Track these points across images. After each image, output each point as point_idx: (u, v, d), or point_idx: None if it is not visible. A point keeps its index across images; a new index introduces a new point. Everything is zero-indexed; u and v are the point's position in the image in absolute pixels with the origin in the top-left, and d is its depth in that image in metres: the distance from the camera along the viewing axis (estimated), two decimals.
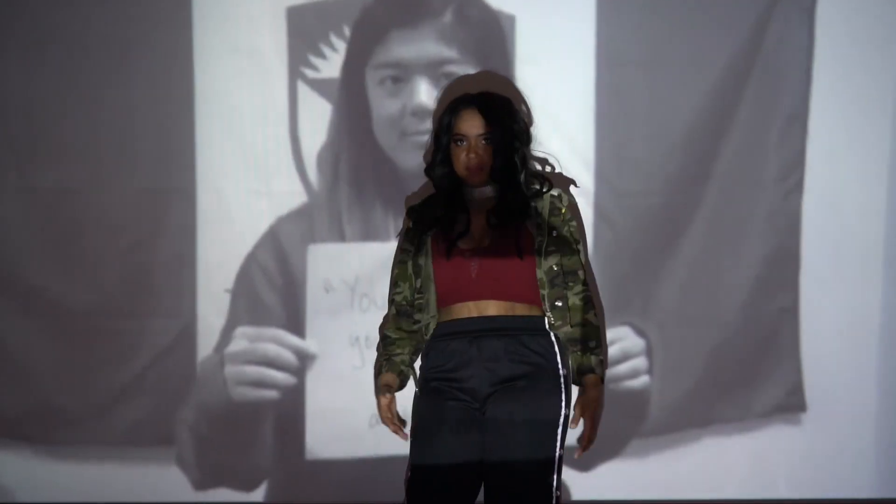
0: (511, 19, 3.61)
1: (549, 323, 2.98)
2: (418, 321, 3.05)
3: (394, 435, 2.99)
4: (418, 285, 3.04)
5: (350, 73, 3.61)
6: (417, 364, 3.02)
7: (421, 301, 3.03)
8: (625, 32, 3.63)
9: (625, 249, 3.66)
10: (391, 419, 3.00)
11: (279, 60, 3.58)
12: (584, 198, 3.61)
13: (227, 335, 3.63)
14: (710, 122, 3.64)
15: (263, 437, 3.65)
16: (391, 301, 3.12)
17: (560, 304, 3.00)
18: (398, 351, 3.07)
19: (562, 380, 2.95)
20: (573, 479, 3.66)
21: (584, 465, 3.65)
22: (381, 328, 3.13)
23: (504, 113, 3.10)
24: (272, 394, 3.63)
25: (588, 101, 3.63)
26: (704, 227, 3.66)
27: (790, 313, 3.68)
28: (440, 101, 3.49)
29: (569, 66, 3.62)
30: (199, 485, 3.66)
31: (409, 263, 3.08)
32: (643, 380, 3.67)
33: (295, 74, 3.60)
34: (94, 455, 3.64)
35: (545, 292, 2.99)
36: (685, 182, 3.65)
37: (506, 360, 2.92)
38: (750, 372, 3.68)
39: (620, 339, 3.67)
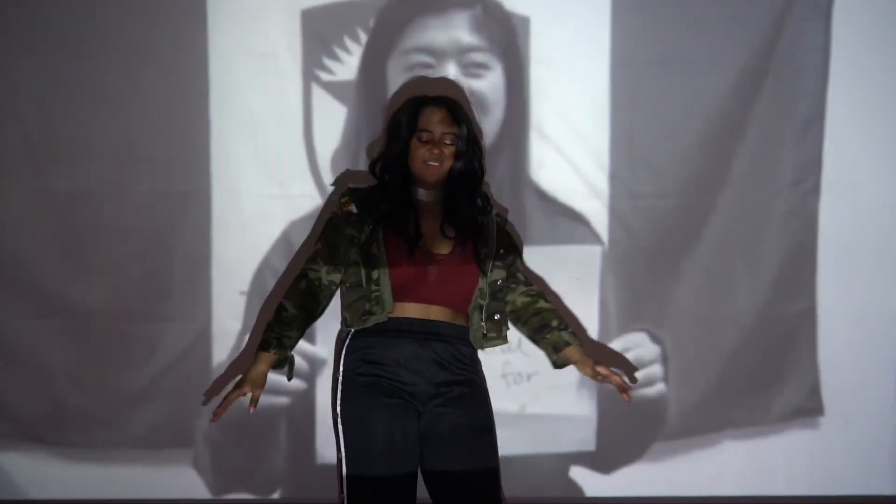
0: (526, 20, 3.61)
1: (482, 334, 3.06)
2: (367, 312, 2.98)
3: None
4: (375, 276, 2.98)
5: (367, 75, 3.61)
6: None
7: (377, 293, 2.98)
8: (640, 33, 3.62)
9: (640, 251, 3.66)
10: (230, 400, 2.92)
11: (293, 63, 3.58)
12: (599, 200, 3.63)
13: (242, 339, 3.63)
14: (726, 123, 3.64)
15: (275, 442, 3.65)
16: (303, 275, 3.08)
17: (497, 317, 3.08)
18: (290, 333, 3.00)
19: (487, 391, 3.06)
20: (594, 482, 3.67)
21: (605, 468, 3.66)
22: (282, 297, 3.07)
23: (469, 119, 3.17)
24: (283, 399, 3.63)
25: (603, 101, 3.63)
26: (721, 229, 3.66)
27: (807, 316, 3.68)
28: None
29: (584, 66, 3.62)
30: (215, 488, 3.65)
31: (353, 251, 3.03)
32: (659, 387, 3.66)
33: (309, 77, 3.59)
34: (109, 457, 3.63)
35: (484, 303, 3.05)
36: (701, 183, 3.66)
37: (449, 366, 2.97)
38: (768, 375, 3.68)
39: (636, 345, 3.67)
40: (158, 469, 3.63)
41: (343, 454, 2.92)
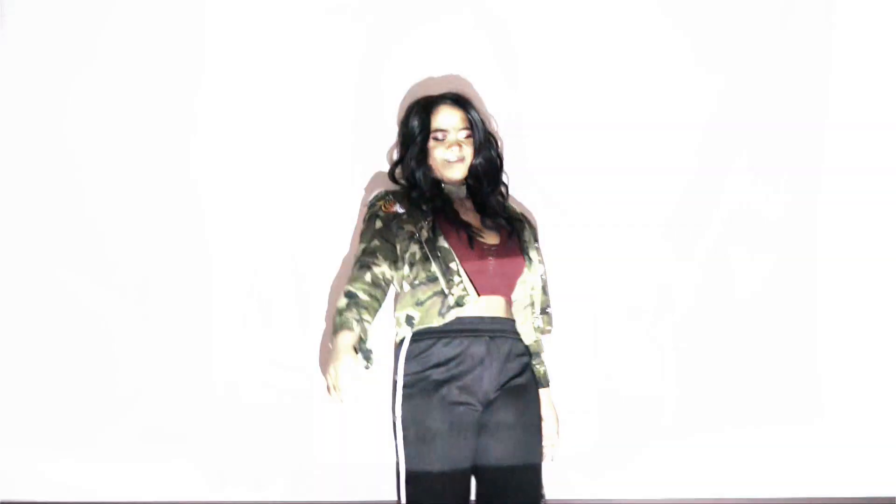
0: None
1: (534, 326, 3.08)
2: (456, 304, 2.91)
3: (332, 395, 2.78)
4: (455, 268, 2.91)
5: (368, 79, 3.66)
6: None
7: (461, 283, 2.91)
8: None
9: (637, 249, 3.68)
10: (345, 386, 2.77)
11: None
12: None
13: (241, 336, 3.65)
14: (726, 121, 3.67)
15: (274, 438, 3.65)
16: (366, 266, 2.96)
17: (549, 309, 3.14)
18: (367, 317, 2.89)
19: (536, 385, 3.07)
20: (589, 483, 3.67)
21: (599, 470, 3.65)
22: (349, 285, 2.93)
23: (478, 110, 3.17)
24: (282, 396, 3.63)
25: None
26: (720, 228, 3.68)
27: (806, 314, 3.68)
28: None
29: None
30: (213, 485, 3.65)
31: (414, 248, 2.97)
32: (656, 386, 3.67)
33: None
34: (108, 454, 3.64)
35: (536, 296, 3.09)
36: (701, 181, 3.68)
37: (511, 363, 2.97)
38: (766, 374, 3.67)
39: (632, 345, 3.68)
40: (158, 465, 3.64)
41: (402, 458, 2.90)
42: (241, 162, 3.66)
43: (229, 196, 3.65)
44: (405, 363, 2.94)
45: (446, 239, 2.97)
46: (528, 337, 3.08)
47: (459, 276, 2.93)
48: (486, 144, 3.13)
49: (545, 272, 3.16)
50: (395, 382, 2.97)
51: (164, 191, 3.65)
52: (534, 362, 3.12)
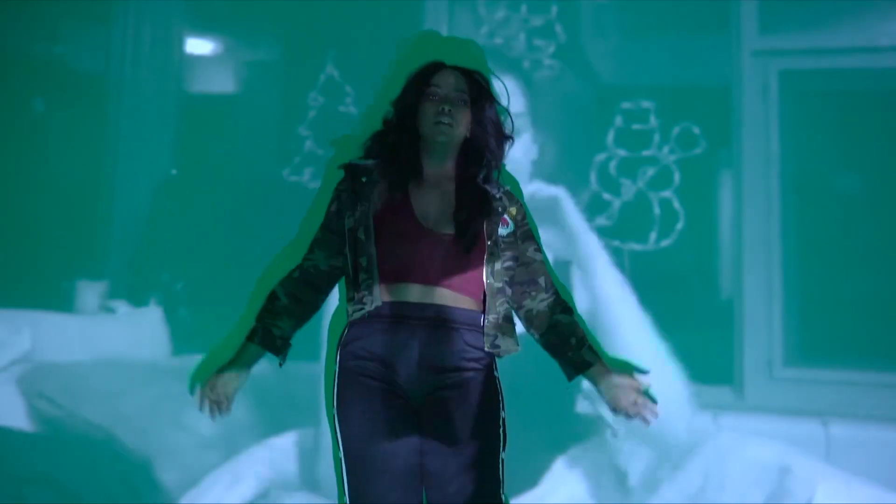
0: None
1: (490, 341, 2.74)
2: (357, 301, 2.71)
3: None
4: (364, 263, 2.70)
5: None
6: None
7: (368, 281, 2.69)
8: None
9: None
10: (223, 402, 2.76)
11: None
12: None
13: None
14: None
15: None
16: (298, 265, 2.84)
17: (505, 321, 2.78)
18: (281, 323, 2.78)
19: (497, 382, 2.75)
20: None
21: None
22: (276, 285, 2.82)
23: (489, 87, 2.85)
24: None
25: None
26: (786, 158, 3.36)
27: (887, 259, 3.34)
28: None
29: None
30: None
31: (343, 234, 2.76)
32: None
33: None
34: None
35: (490, 305, 2.76)
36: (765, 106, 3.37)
37: (449, 355, 2.68)
38: (834, 325, 3.34)
39: None
40: None
41: (342, 454, 2.69)
42: None
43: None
44: (339, 352, 2.77)
45: (382, 221, 2.72)
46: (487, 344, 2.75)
47: (366, 272, 2.71)
48: (485, 126, 2.80)
49: (520, 277, 2.82)
50: (330, 372, 2.81)
51: None
52: (558, 358, 2.79)
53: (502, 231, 2.79)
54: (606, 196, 3.37)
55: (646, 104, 3.38)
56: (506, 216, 2.80)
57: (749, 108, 3.35)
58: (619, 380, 2.73)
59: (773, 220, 3.35)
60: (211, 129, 3.47)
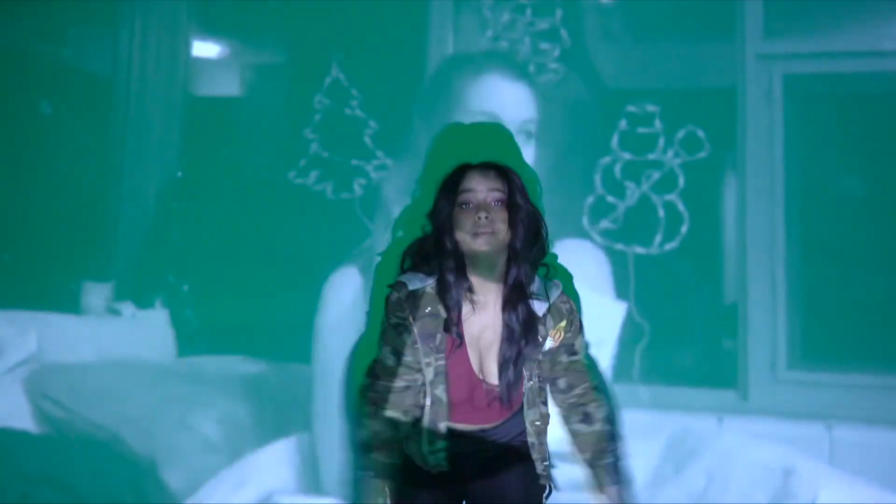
0: None
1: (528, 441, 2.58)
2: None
3: None
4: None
5: None
6: None
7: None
8: None
9: None
10: None
11: None
12: None
13: None
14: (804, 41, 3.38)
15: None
16: (390, 371, 2.60)
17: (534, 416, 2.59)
18: (391, 456, 2.57)
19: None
20: None
21: None
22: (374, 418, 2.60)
23: (520, 181, 2.64)
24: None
25: None
26: (790, 161, 3.37)
27: (889, 260, 3.36)
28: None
29: None
30: None
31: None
32: None
33: None
34: None
35: (529, 413, 2.57)
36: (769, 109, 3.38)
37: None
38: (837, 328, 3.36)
39: None
40: None
41: None
42: None
43: None
44: None
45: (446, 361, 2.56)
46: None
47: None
48: (518, 221, 2.54)
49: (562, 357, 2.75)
50: None
51: None
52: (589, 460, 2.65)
53: (544, 347, 2.61)
54: (611, 199, 3.38)
55: (650, 108, 3.39)
56: (549, 339, 2.62)
57: (753, 111, 3.36)
58: None
59: (776, 223, 3.36)
60: (217, 132, 3.50)
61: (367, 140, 3.42)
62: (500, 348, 2.57)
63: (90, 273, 3.54)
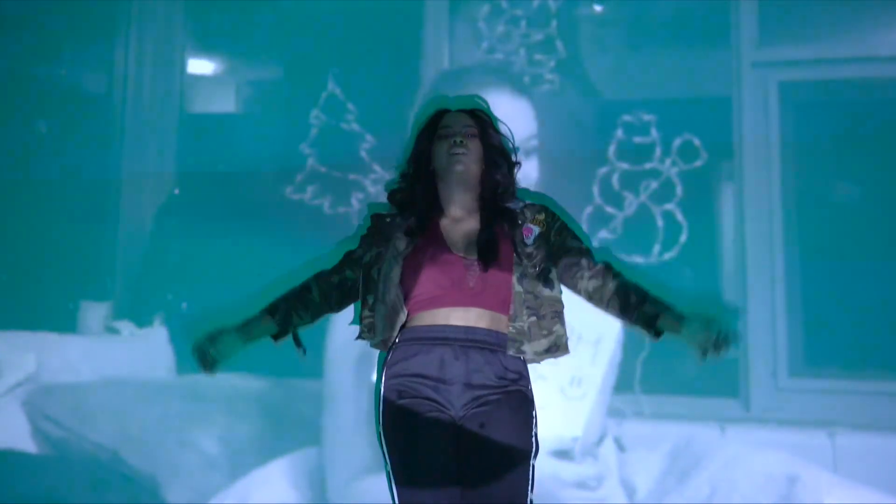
0: None
1: (509, 339, 2.81)
2: (367, 331, 2.85)
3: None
4: (370, 302, 2.83)
5: None
6: None
7: (369, 320, 2.83)
8: None
9: None
10: (214, 361, 2.82)
11: None
12: None
13: None
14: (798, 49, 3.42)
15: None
16: (338, 271, 2.89)
17: (521, 325, 2.83)
18: (303, 314, 2.86)
19: (530, 396, 2.82)
20: None
21: None
22: (311, 279, 2.88)
23: (493, 123, 2.95)
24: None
25: None
26: (786, 168, 3.41)
27: (889, 267, 3.37)
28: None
29: None
30: None
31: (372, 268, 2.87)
32: None
33: None
34: None
35: (515, 314, 2.82)
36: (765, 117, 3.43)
37: (483, 380, 2.76)
38: (837, 334, 3.39)
39: None
40: None
41: (391, 472, 2.77)
42: None
43: None
44: (383, 375, 2.83)
45: (424, 255, 2.81)
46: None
47: (371, 310, 2.84)
48: (492, 151, 2.91)
49: (570, 243, 2.88)
50: (376, 393, 2.86)
51: None
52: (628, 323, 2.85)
53: (528, 239, 2.89)
54: (609, 209, 3.42)
55: (647, 117, 3.44)
56: (529, 225, 2.90)
57: (749, 119, 3.41)
58: (692, 323, 2.76)
59: (775, 230, 3.40)
60: (213, 149, 3.53)
61: (363, 154, 3.45)
62: (479, 233, 2.82)
63: (88, 292, 3.57)
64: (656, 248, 3.41)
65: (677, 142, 3.42)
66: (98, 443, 3.57)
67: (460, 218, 2.92)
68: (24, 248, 3.59)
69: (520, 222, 2.91)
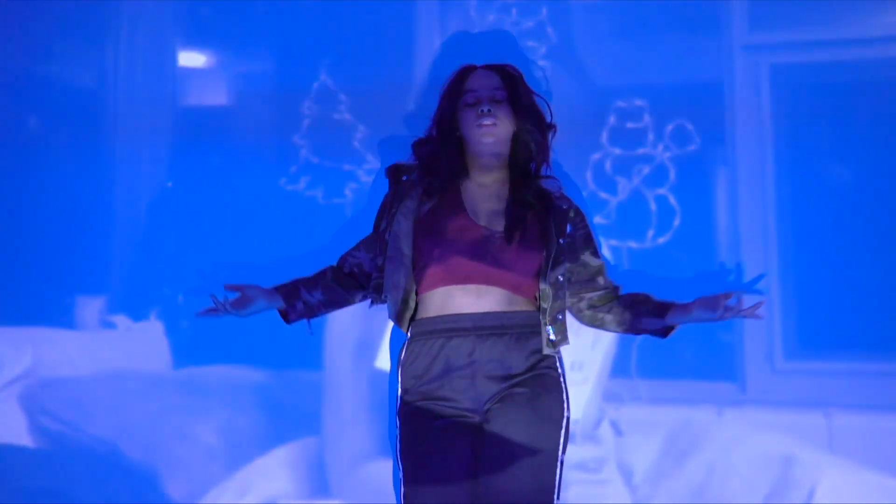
0: None
1: (547, 339, 2.74)
2: (381, 299, 2.86)
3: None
4: (380, 264, 2.85)
5: None
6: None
7: (379, 282, 2.82)
8: None
9: None
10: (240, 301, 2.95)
11: None
12: None
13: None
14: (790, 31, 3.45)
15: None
16: (343, 260, 2.98)
17: (561, 316, 2.79)
18: (315, 294, 2.93)
19: (561, 382, 2.77)
20: None
21: None
22: (334, 266, 3.00)
23: (523, 81, 2.90)
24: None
25: None
26: (780, 153, 3.45)
27: (882, 250, 3.43)
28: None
29: None
30: None
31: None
32: None
33: None
34: None
35: (547, 305, 2.74)
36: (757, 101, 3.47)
37: (505, 369, 2.69)
38: (832, 317, 3.43)
39: None
40: None
41: (402, 474, 2.77)
42: None
43: None
44: (399, 373, 2.83)
45: (440, 221, 2.75)
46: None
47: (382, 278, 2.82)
48: (529, 122, 2.82)
49: (589, 258, 2.95)
50: (393, 392, 2.91)
51: None
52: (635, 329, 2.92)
53: (567, 229, 2.86)
54: (603, 195, 3.46)
55: (639, 102, 3.47)
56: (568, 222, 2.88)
57: (742, 103, 3.44)
58: (704, 299, 2.88)
59: (769, 213, 3.43)
60: (206, 141, 3.55)
61: (356, 144, 3.48)
62: (508, 204, 2.76)
63: (83, 287, 3.60)
64: (650, 232, 3.44)
65: (670, 127, 3.45)
66: (96, 436, 3.60)
67: (486, 184, 2.82)
68: (18, 244, 3.62)
69: (564, 206, 2.85)
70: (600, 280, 2.92)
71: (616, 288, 2.97)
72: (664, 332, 2.92)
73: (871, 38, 3.42)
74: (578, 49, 3.49)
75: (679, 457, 3.43)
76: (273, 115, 3.51)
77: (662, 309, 2.87)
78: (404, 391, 2.75)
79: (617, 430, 3.44)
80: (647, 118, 3.46)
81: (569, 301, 2.87)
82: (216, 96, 3.55)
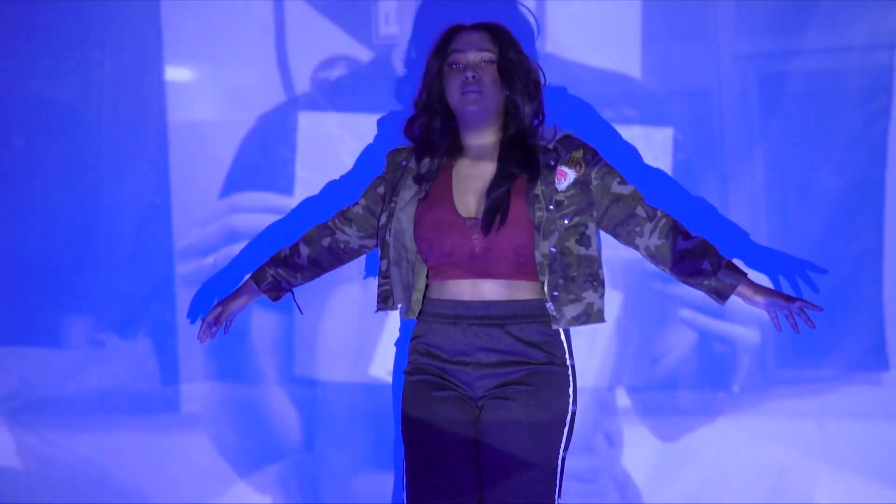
0: None
1: (551, 316, 2.62)
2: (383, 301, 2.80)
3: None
4: (384, 268, 2.74)
5: None
6: None
7: (385, 287, 2.74)
8: None
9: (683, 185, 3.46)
10: (223, 318, 2.93)
11: None
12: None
13: None
14: (776, 40, 3.44)
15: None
16: (330, 232, 2.91)
17: (556, 293, 2.61)
18: (292, 280, 2.89)
19: (570, 372, 2.68)
20: None
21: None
22: (301, 240, 2.95)
23: (513, 39, 2.73)
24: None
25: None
26: (769, 161, 3.45)
27: (871, 257, 3.44)
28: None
29: None
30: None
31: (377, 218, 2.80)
32: None
33: None
34: None
35: (545, 279, 2.60)
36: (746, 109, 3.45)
37: (503, 358, 2.61)
38: (824, 325, 3.42)
39: None
40: None
41: (404, 454, 2.71)
42: None
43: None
44: (409, 349, 2.80)
45: (431, 212, 2.66)
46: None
47: (385, 276, 2.75)
48: (514, 74, 2.65)
49: (618, 189, 2.76)
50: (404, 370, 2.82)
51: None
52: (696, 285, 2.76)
53: (561, 185, 2.66)
54: None
55: (628, 112, 3.47)
56: (563, 168, 2.67)
57: (730, 112, 3.45)
58: (768, 292, 2.76)
59: (758, 221, 3.45)
60: (194, 156, 3.54)
61: (345, 158, 3.49)
62: (490, 185, 2.62)
63: (70, 305, 3.58)
64: None
65: (659, 136, 3.46)
66: (84, 457, 3.59)
67: (479, 158, 2.70)
68: (4, 263, 3.60)
69: (551, 163, 2.66)
70: (639, 211, 2.74)
71: (665, 215, 2.80)
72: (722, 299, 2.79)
73: (857, 45, 3.43)
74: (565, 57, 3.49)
75: (673, 466, 3.44)
76: (262, 128, 3.50)
77: (724, 290, 2.72)
78: (408, 364, 2.73)
79: (610, 441, 3.44)
80: (636, 128, 3.46)
81: (627, 244, 2.81)
82: (203, 111, 3.54)
